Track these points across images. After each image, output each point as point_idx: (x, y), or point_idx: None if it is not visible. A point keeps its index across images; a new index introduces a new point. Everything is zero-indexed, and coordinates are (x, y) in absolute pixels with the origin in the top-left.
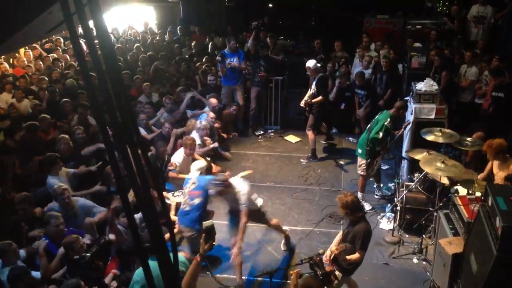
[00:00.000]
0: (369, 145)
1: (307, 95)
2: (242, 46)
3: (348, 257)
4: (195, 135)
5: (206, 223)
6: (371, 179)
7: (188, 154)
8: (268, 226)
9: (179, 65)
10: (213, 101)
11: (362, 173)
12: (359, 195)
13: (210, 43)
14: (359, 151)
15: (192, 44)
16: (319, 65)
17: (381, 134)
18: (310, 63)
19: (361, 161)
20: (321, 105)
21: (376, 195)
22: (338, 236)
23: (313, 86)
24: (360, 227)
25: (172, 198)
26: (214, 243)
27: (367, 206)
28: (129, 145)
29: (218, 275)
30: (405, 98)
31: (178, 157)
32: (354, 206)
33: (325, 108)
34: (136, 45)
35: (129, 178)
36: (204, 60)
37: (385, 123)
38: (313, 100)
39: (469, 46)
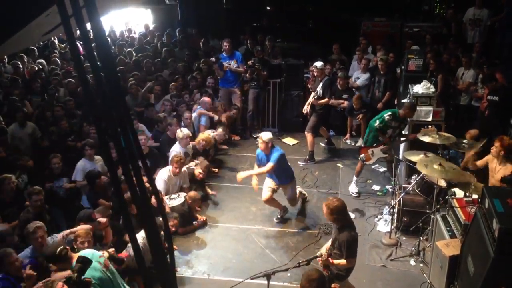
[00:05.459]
0: (369, 130)
1: (312, 97)
2: (238, 48)
3: (335, 261)
4: (177, 147)
5: None
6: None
7: (175, 172)
8: None
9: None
10: (206, 99)
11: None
12: (354, 179)
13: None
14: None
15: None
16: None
17: (377, 122)
18: (318, 63)
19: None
20: (324, 108)
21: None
22: (329, 242)
23: (318, 88)
24: (344, 235)
25: (168, 202)
26: None
27: (354, 189)
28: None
29: (218, 278)
30: (403, 101)
31: (162, 176)
32: (341, 210)
33: (328, 111)
34: (134, 47)
35: (129, 189)
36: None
37: (384, 116)
38: (319, 102)
39: (465, 49)
